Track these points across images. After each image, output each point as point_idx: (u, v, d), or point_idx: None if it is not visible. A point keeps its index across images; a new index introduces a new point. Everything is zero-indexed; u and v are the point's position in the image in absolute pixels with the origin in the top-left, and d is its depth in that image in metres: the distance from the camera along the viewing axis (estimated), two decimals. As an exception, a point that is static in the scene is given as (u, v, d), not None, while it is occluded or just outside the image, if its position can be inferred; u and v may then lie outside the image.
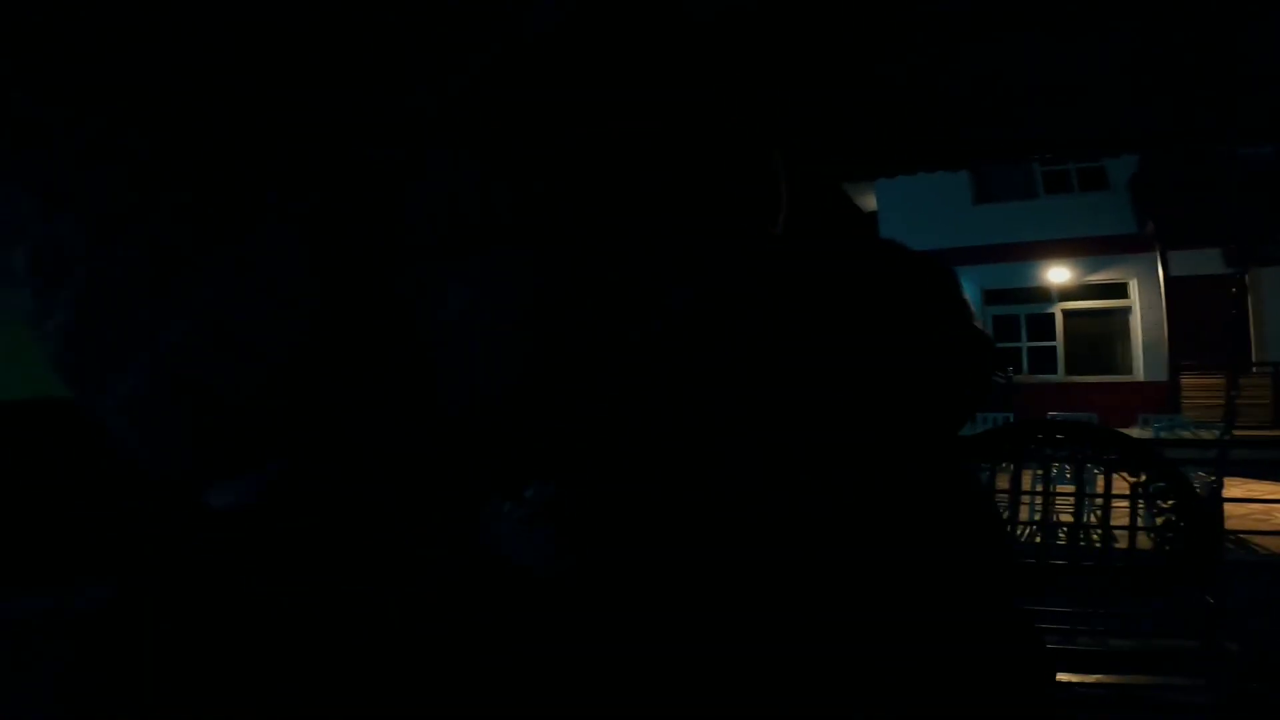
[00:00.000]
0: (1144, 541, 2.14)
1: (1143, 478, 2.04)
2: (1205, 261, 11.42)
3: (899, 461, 0.55)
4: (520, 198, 0.51)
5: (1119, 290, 12.74)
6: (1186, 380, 11.43)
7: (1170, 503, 1.98)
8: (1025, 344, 13.34)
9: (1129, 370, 12.56)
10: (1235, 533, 5.31)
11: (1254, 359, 11.17)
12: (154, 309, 0.49)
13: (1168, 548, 1.93)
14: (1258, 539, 5.32)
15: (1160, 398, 11.51)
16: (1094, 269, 12.74)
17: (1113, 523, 2.21)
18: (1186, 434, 6.81)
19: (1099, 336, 12.88)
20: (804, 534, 0.51)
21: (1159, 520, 2.01)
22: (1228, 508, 5.64)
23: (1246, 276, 10.22)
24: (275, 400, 0.50)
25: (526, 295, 0.50)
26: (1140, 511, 2.15)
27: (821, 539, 0.51)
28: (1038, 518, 2.35)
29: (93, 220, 0.49)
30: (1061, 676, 1.75)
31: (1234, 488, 6.39)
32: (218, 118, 0.54)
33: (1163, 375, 11.97)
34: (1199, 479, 5.10)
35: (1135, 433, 7.33)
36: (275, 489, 0.52)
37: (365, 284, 0.51)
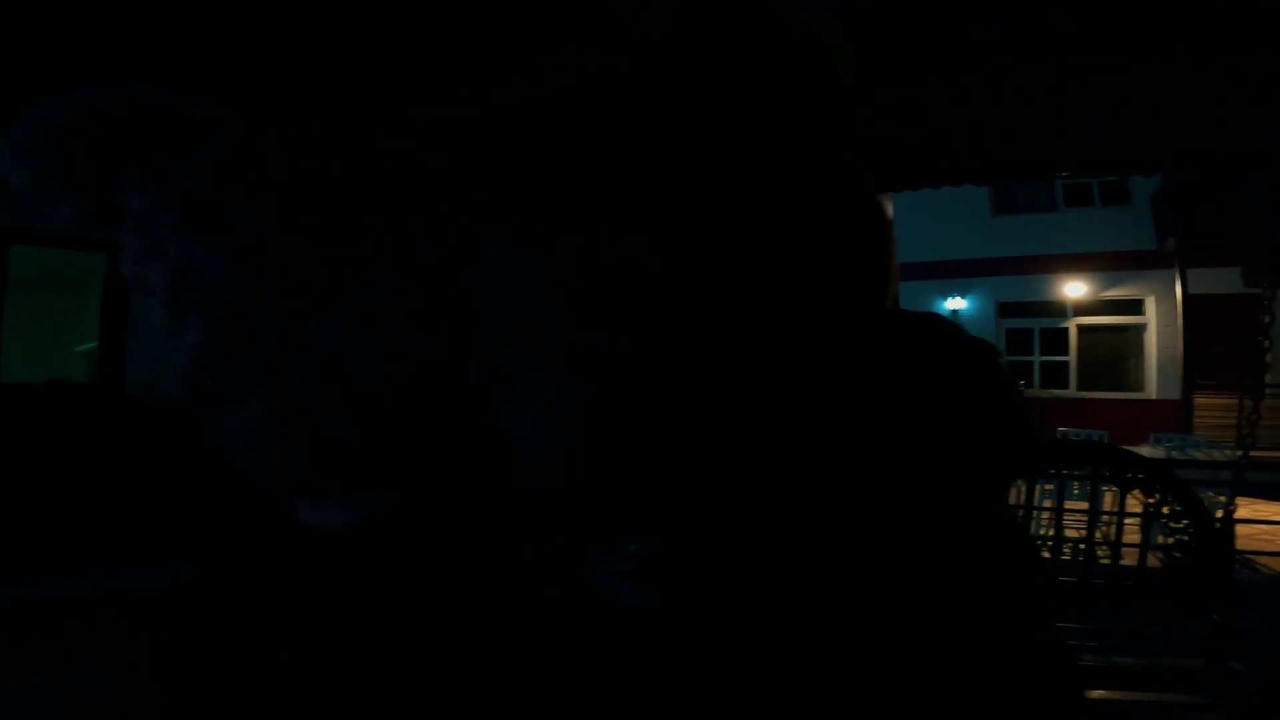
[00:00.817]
0: (1153, 561, 2.17)
1: (1156, 498, 2.07)
2: (1224, 280, 11.34)
3: (952, 510, 0.57)
4: (576, 321, 0.53)
5: (1135, 306, 12.67)
6: (1200, 400, 11.37)
7: (1184, 523, 2.00)
8: (1038, 358, 13.29)
9: (1142, 388, 12.50)
10: (1242, 553, 5.30)
11: (1268, 380, 11.08)
12: (283, 343, 0.50)
13: (1179, 568, 1.96)
14: (1264, 559, 5.31)
15: (1173, 416, 11.44)
16: (1111, 284, 12.67)
17: (1124, 541, 2.23)
18: (1198, 454, 6.79)
19: (1113, 353, 12.81)
20: (877, 572, 0.53)
21: (1170, 540, 2.04)
22: (1236, 528, 5.62)
23: (1274, 298, 10.14)
24: (380, 440, 0.52)
25: (583, 414, 0.52)
26: (1161, 531, 2.17)
27: (895, 578, 0.53)
28: (1049, 532, 2.37)
29: (232, 248, 0.50)
30: (1066, 690, 1.77)
31: (1242, 508, 6.35)
32: (351, 147, 0.53)
33: (1176, 394, 11.90)
34: (1208, 499, 5.10)
35: (1146, 451, 7.30)
36: (383, 515, 0.54)
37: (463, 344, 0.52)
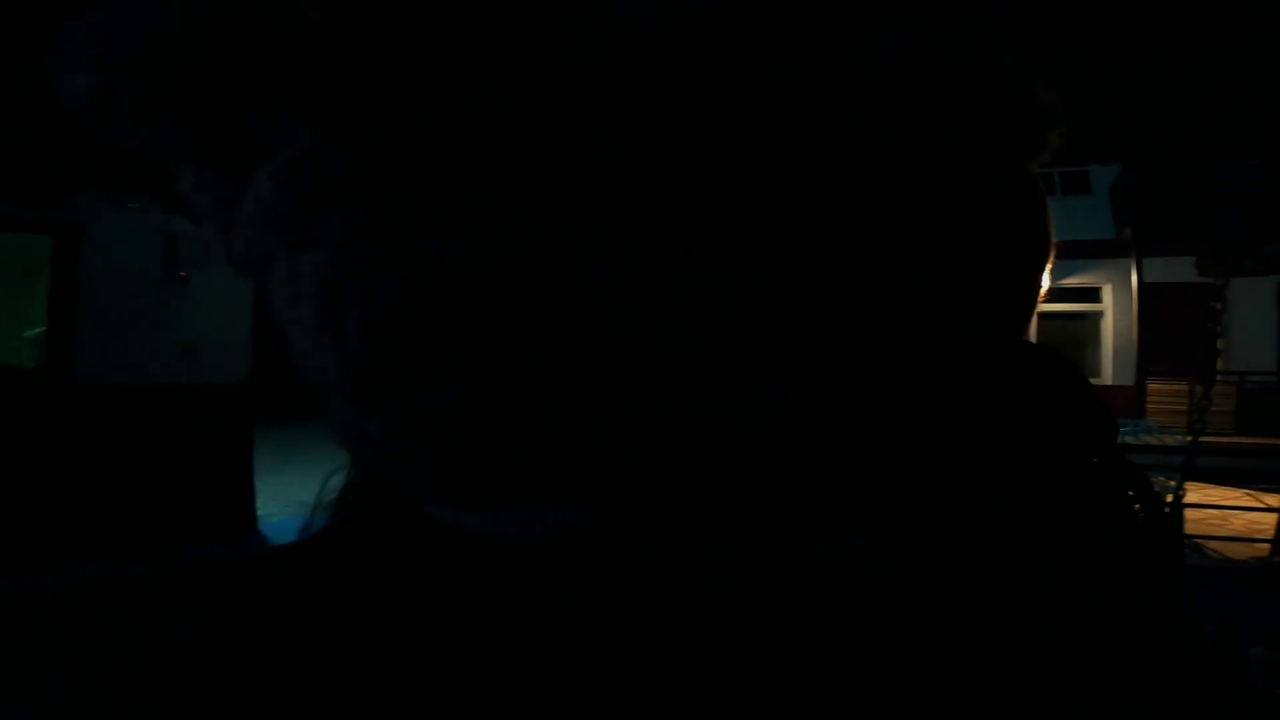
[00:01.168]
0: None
1: (1110, 483, 2.10)
2: (1178, 269, 11.62)
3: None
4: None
5: (1092, 294, 12.93)
6: (1153, 386, 11.65)
7: (1136, 508, 2.03)
8: (999, 343, 13.50)
9: (1097, 374, 12.77)
10: (1191, 537, 5.44)
11: (1218, 367, 11.45)
12: (498, 322, 0.43)
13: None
14: (1213, 544, 5.47)
15: (1127, 402, 11.72)
16: (1069, 272, 12.91)
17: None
18: (1150, 439, 6.95)
19: (1070, 339, 13.06)
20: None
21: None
22: (1185, 512, 5.77)
23: (1226, 287, 10.46)
24: (590, 440, 0.46)
25: (799, 416, 0.52)
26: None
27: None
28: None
29: (442, 202, 0.42)
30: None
31: (1192, 493, 6.51)
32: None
33: (1130, 380, 12.19)
34: (1158, 484, 5.21)
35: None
36: (577, 527, 0.48)
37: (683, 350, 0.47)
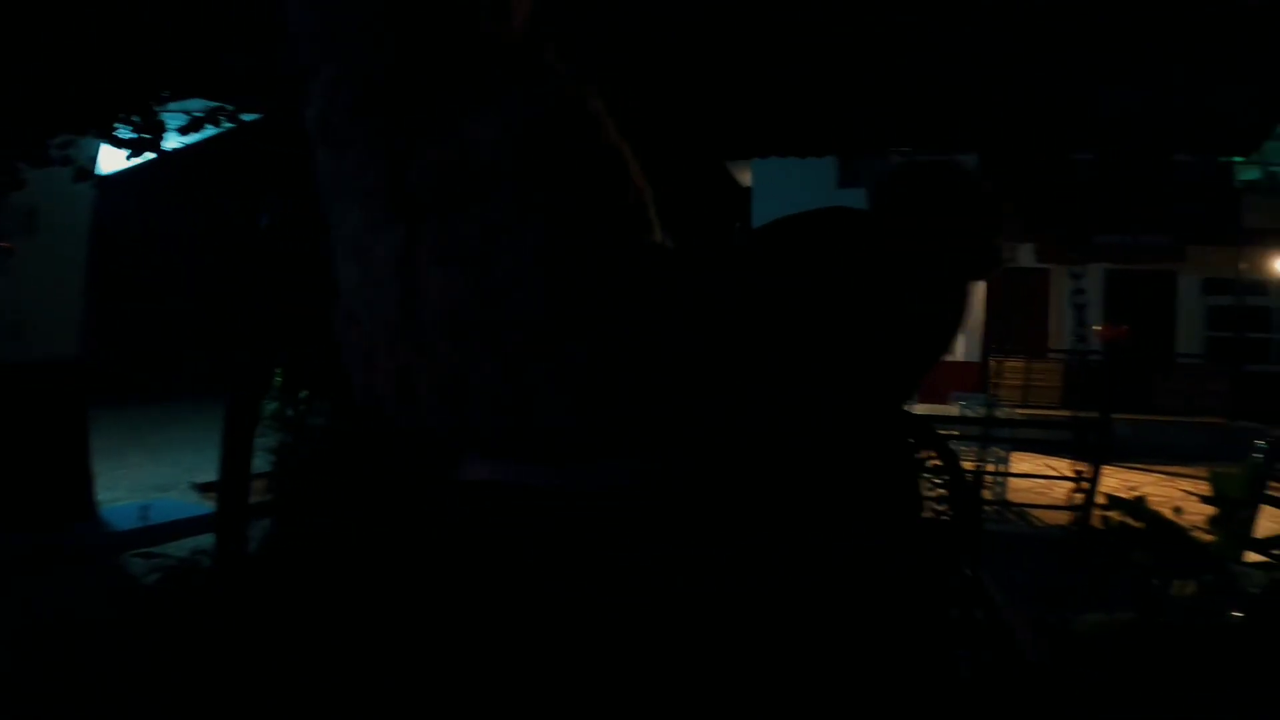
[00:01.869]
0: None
1: (921, 454, 2.24)
2: (1020, 254, 12.49)
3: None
4: None
5: (945, 278, 13.67)
6: (994, 363, 12.53)
7: (945, 478, 2.20)
8: (861, 322, 14.09)
9: (951, 352, 13.55)
10: (1019, 505, 5.84)
11: (1049, 346, 12.44)
12: (636, 289, 0.48)
13: (938, 523, 2.15)
14: (1038, 512, 5.87)
15: (974, 378, 12.54)
16: (925, 256, 13.59)
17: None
18: (987, 413, 7.47)
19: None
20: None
21: (934, 494, 2.23)
22: (1014, 482, 6.15)
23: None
24: (657, 403, 0.50)
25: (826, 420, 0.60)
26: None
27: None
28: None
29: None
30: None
31: (1022, 463, 7.04)
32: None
33: (977, 357, 13.05)
34: (995, 454, 5.53)
35: (956, 410, 7.95)
36: (648, 478, 0.52)
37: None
